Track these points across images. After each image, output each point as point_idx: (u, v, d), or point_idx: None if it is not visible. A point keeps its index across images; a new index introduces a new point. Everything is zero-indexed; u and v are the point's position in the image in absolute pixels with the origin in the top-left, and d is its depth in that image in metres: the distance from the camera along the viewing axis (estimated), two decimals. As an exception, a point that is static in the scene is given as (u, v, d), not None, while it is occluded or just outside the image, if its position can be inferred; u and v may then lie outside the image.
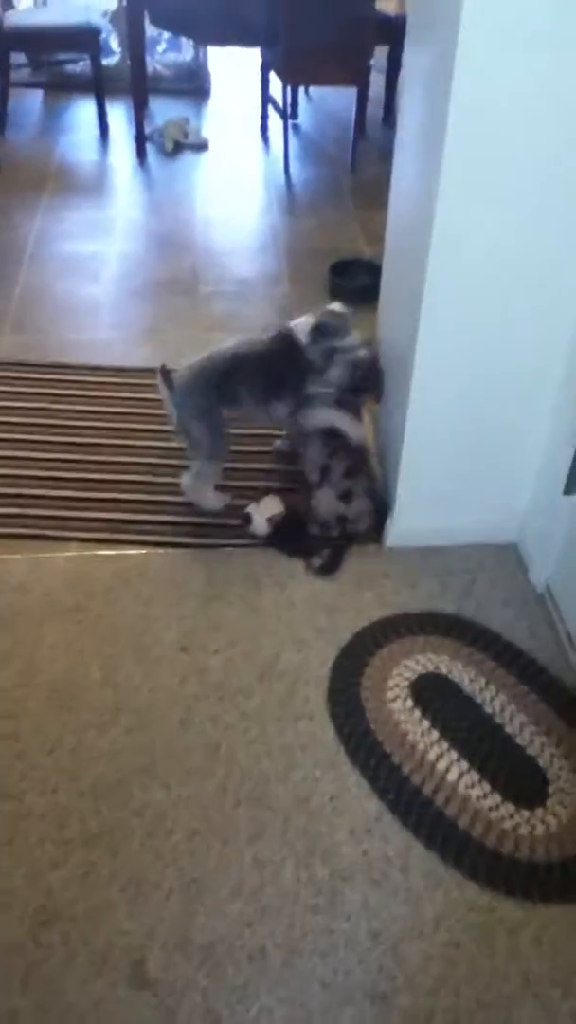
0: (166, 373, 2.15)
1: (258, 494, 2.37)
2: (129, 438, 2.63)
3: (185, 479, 2.32)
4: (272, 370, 2.23)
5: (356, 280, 3.43)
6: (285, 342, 2.23)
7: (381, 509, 2.26)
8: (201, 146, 4.66)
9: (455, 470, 2.19)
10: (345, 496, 2.22)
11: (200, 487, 2.32)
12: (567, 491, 1.96)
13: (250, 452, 2.57)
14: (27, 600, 2.10)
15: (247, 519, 2.31)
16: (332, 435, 2.29)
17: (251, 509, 2.33)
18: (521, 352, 1.97)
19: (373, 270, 3.43)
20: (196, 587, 2.16)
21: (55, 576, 2.17)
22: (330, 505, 2.23)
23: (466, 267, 1.83)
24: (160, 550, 2.27)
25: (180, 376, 2.17)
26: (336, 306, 2.33)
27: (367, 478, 2.27)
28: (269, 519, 2.30)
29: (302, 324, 2.24)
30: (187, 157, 4.60)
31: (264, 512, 2.31)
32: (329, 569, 2.21)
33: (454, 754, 1.80)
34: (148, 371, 2.87)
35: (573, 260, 1.84)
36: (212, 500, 2.35)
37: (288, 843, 1.65)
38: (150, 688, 1.92)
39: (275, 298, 3.38)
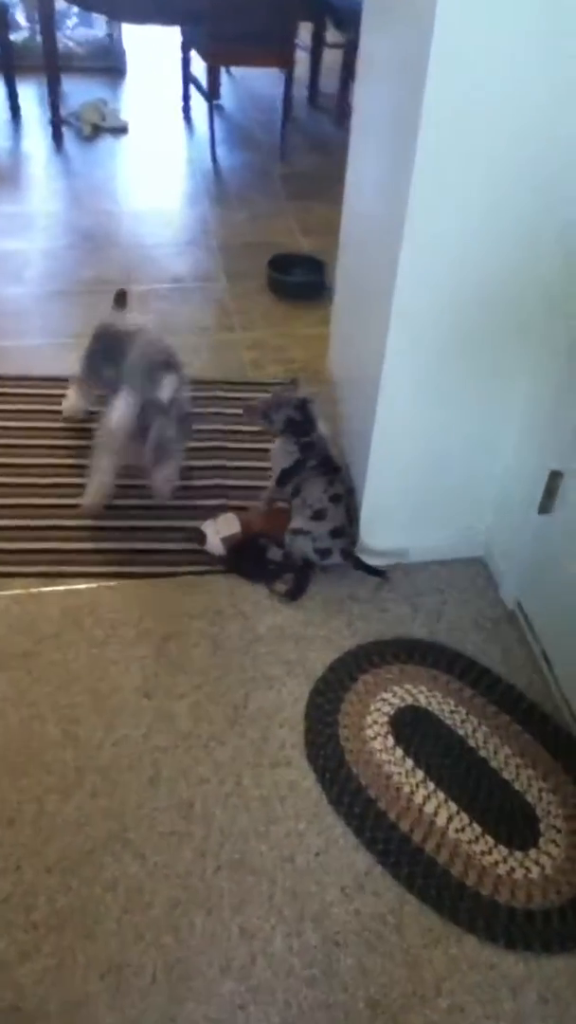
0: (121, 296, 2.48)
1: (211, 512, 2.24)
2: (70, 456, 2.46)
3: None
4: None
5: (295, 275, 3.31)
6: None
7: (353, 561, 2.14)
8: (121, 129, 4.44)
9: (421, 487, 2.10)
10: (323, 553, 2.11)
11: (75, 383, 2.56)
12: (542, 510, 1.89)
13: (204, 468, 2.43)
14: (-30, 649, 1.93)
15: (201, 537, 2.19)
16: (334, 472, 2.14)
17: (206, 527, 2.20)
18: (493, 366, 1.89)
19: (313, 265, 3.32)
20: (154, 623, 2.02)
21: (-1, 619, 2.00)
22: (305, 550, 2.12)
23: (441, 272, 1.73)
24: (112, 582, 2.12)
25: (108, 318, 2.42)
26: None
27: (350, 538, 2.13)
28: (224, 539, 2.18)
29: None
30: (106, 142, 4.37)
31: (220, 531, 2.19)
32: (295, 595, 2.10)
33: (441, 795, 1.72)
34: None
35: (547, 272, 1.75)
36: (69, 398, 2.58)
37: (276, 909, 1.55)
38: (113, 742, 1.78)
39: (213, 296, 3.23)
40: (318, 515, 2.08)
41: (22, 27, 5.03)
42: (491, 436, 2.02)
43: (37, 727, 1.80)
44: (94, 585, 2.10)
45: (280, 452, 2.17)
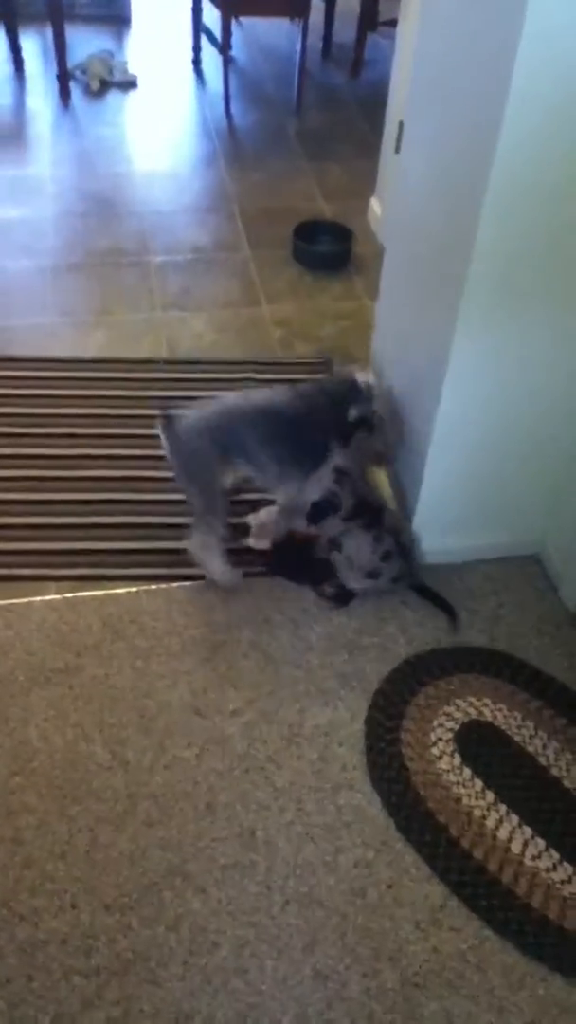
0: (167, 420, 1.83)
1: (252, 506, 2.13)
2: (101, 446, 2.32)
3: (190, 542, 1.96)
4: (296, 434, 1.89)
5: (322, 244, 3.14)
6: (317, 401, 1.90)
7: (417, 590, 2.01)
8: (129, 84, 4.20)
9: (478, 485, 1.97)
10: (394, 581, 1.98)
11: (204, 553, 1.95)
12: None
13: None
14: (6, 664, 1.82)
15: (245, 530, 2.08)
16: (376, 521, 1.94)
17: (250, 518, 2.10)
18: (562, 357, 1.75)
19: (339, 233, 3.15)
20: (199, 631, 1.91)
21: (36, 629, 1.89)
22: (362, 587, 1.99)
23: (521, 251, 1.56)
24: (153, 586, 2.00)
25: (184, 422, 1.84)
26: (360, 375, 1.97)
27: (413, 577, 1.99)
28: (260, 526, 2.08)
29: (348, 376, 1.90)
30: (115, 97, 4.14)
31: (260, 519, 2.10)
32: (344, 599, 1.99)
33: (514, 818, 1.63)
34: (110, 362, 2.57)
35: None
36: (220, 572, 1.96)
37: (349, 948, 1.47)
38: (165, 765, 1.69)
39: (237, 267, 3.06)
40: (372, 575, 1.94)
41: (18, -28, 4.73)
42: (559, 416, 1.88)
43: (84, 749, 1.70)
44: (134, 589, 1.99)
45: (315, 479, 1.93)
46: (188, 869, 1.54)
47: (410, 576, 1.98)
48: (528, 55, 1.34)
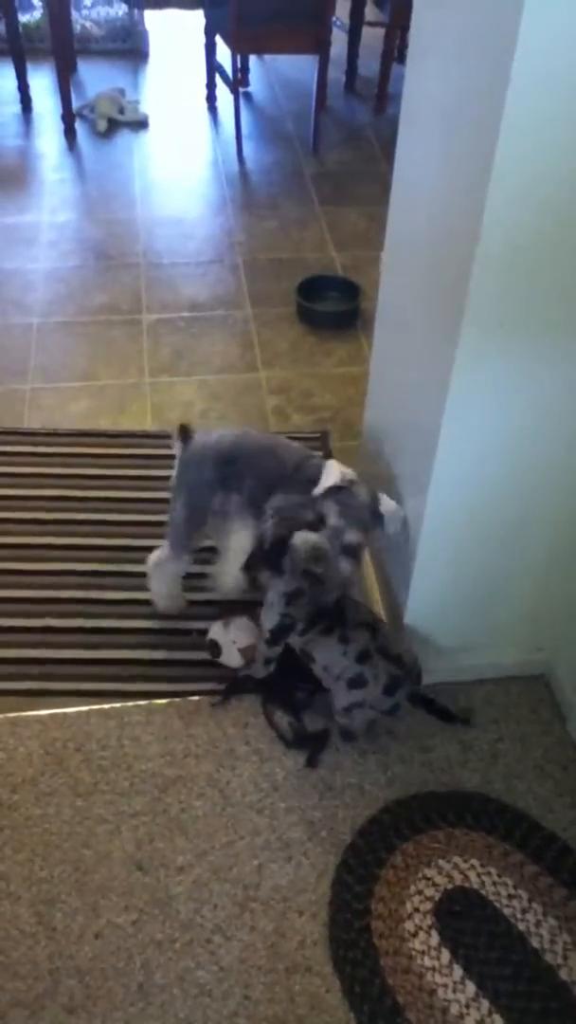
0: (185, 431, 1.79)
1: (221, 612, 1.90)
2: (66, 534, 2.13)
3: (150, 556, 1.91)
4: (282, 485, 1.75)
5: (327, 302, 2.93)
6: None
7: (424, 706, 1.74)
8: (140, 123, 4.04)
9: (477, 590, 1.73)
10: (392, 711, 1.68)
11: (155, 570, 1.91)
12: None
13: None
14: None
15: (215, 648, 1.85)
16: (339, 623, 1.66)
17: (216, 635, 1.87)
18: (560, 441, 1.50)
19: (347, 289, 2.94)
20: (151, 764, 1.70)
21: (-30, 756, 1.69)
22: (370, 719, 1.70)
23: (521, 306, 1.30)
24: (106, 705, 1.80)
25: (200, 438, 1.80)
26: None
27: (412, 680, 1.68)
28: (243, 650, 1.84)
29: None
30: (124, 137, 3.98)
31: (235, 639, 1.86)
32: (309, 742, 1.75)
33: (498, 1021, 1.39)
34: (87, 435, 2.39)
35: None
36: (161, 596, 1.94)
37: None
38: (96, 933, 1.47)
39: (236, 327, 2.86)
40: (356, 683, 1.63)
41: (35, 6, 4.62)
42: (562, 537, 1.65)
43: (6, 911, 1.49)
44: (84, 709, 1.78)
45: (266, 604, 1.68)
46: (109, 1074, 1.33)
47: (411, 681, 1.66)
48: (520, 86, 1.11)
